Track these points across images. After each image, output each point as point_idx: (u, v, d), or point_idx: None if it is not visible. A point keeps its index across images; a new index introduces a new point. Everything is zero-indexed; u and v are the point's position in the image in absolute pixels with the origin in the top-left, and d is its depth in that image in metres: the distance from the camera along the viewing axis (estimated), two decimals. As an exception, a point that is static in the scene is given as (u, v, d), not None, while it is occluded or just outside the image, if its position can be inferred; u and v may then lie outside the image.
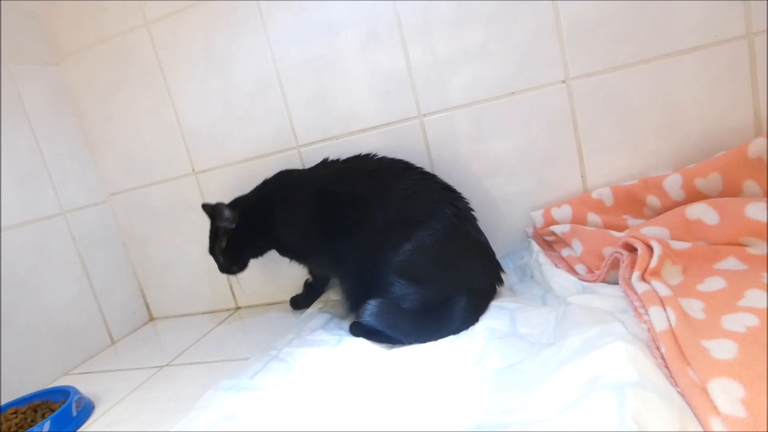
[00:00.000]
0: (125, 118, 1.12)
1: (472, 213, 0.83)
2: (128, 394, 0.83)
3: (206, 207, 0.97)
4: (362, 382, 0.65)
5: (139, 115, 1.11)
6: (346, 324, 0.83)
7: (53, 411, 0.76)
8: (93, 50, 1.10)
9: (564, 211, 0.85)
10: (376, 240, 0.79)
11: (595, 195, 0.84)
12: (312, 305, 0.99)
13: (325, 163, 0.92)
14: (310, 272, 1.02)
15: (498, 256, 0.93)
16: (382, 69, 0.93)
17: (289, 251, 0.96)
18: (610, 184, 0.84)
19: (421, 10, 0.88)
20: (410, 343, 0.72)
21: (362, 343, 0.76)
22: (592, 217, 0.83)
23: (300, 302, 1.04)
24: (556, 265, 0.79)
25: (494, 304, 0.75)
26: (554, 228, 0.83)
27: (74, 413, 0.76)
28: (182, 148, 1.09)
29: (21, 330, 0.94)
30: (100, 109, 1.14)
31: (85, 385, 0.85)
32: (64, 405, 0.76)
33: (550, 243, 0.88)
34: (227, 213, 0.92)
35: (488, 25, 0.86)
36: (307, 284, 1.04)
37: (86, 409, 0.79)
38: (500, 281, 0.80)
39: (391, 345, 0.74)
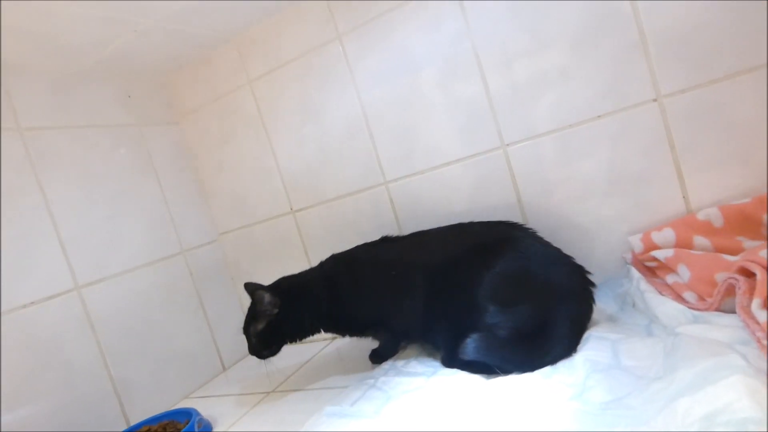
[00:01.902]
0: (232, 167, 1.26)
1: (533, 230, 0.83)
2: (240, 417, 0.90)
3: (248, 286, 0.93)
4: (460, 414, 0.65)
5: (244, 162, 1.24)
6: (439, 353, 0.84)
7: (179, 430, 0.85)
8: (206, 109, 1.26)
9: (666, 235, 0.81)
10: (457, 283, 0.80)
11: (701, 216, 0.79)
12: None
13: (385, 240, 0.95)
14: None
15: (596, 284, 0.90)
16: (462, 103, 0.96)
17: (354, 326, 0.94)
18: (717, 204, 0.78)
19: (498, 42, 0.91)
20: (509, 372, 0.71)
21: (457, 375, 0.77)
22: (700, 240, 0.78)
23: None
24: (660, 293, 0.75)
25: (594, 334, 0.72)
26: (656, 253, 0.79)
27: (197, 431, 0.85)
28: (281, 189, 1.20)
29: (150, 358, 1.07)
30: (212, 159, 1.29)
31: (202, 408, 0.94)
32: (187, 425, 0.84)
33: (652, 269, 0.83)
34: (268, 298, 0.89)
35: (568, 51, 0.86)
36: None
37: (206, 429, 0.88)
38: (592, 285, 0.78)
39: (487, 375, 0.73)
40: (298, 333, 0.94)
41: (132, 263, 1.10)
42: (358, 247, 0.96)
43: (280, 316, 0.90)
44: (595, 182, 0.88)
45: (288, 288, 0.92)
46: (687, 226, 0.79)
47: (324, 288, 0.92)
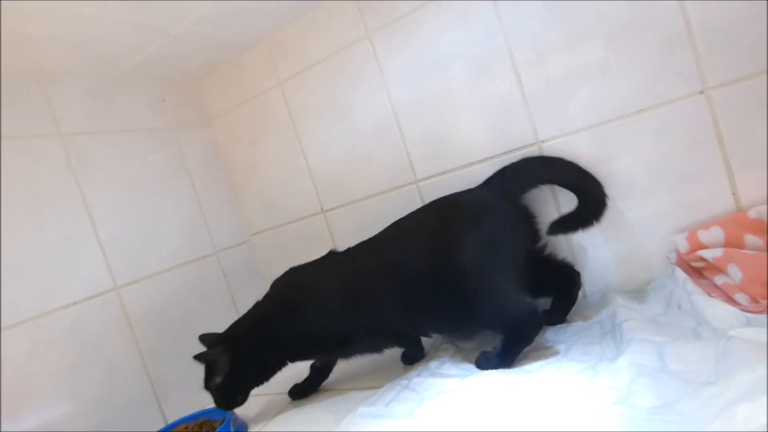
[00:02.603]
0: (263, 168, 1.27)
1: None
2: (275, 417, 0.91)
3: (203, 339, 0.91)
4: (495, 417, 0.64)
5: (275, 163, 1.25)
6: (474, 355, 0.83)
7: (214, 428, 0.86)
8: (236, 111, 1.28)
9: (714, 234, 0.77)
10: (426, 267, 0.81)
11: (753, 214, 0.75)
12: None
13: (333, 254, 0.95)
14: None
15: (637, 286, 0.87)
16: (495, 99, 0.94)
17: (325, 346, 0.90)
18: (770, 201, 0.74)
19: (532, 37, 0.88)
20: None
21: (491, 376, 0.75)
22: (752, 239, 0.74)
23: (302, 391, 0.97)
24: (709, 295, 0.71)
25: (637, 337, 0.69)
26: (703, 253, 0.75)
27: (232, 431, 0.85)
28: (311, 190, 1.20)
29: (186, 357, 1.07)
30: (243, 161, 1.30)
31: (236, 409, 0.95)
32: (223, 423, 0.85)
33: (699, 270, 0.79)
34: (216, 354, 0.85)
35: (607, 44, 0.83)
36: (313, 368, 0.99)
37: (240, 429, 0.88)
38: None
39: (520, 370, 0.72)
40: (263, 374, 0.91)
41: (167, 264, 1.12)
42: (305, 267, 0.95)
43: (235, 365, 0.86)
44: (635, 180, 0.85)
45: (237, 335, 0.89)
46: (737, 225, 0.75)
47: (282, 317, 0.89)
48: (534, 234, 0.88)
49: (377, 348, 0.92)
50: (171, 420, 1.00)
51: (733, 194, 0.79)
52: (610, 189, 0.87)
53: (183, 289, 1.14)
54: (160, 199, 1.15)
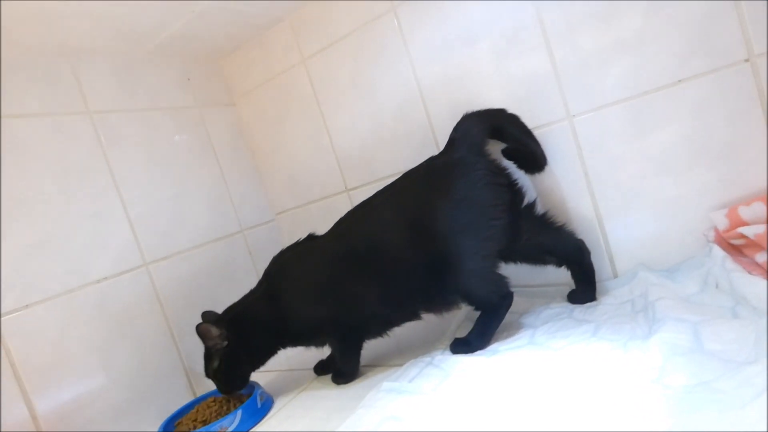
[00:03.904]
0: (288, 147, 1.27)
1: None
2: (300, 392, 0.92)
3: (204, 316, 0.91)
4: (523, 394, 0.63)
5: (300, 142, 1.24)
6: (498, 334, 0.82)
7: (242, 402, 0.87)
8: (261, 89, 1.27)
9: (756, 210, 0.73)
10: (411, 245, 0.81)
11: (798, 188, 0.71)
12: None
13: (311, 237, 0.94)
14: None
15: (671, 264, 0.84)
16: (524, 73, 0.91)
17: (304, 334, 0.91)
18: (818, 175, 0.70)
19: (565, 8, 0.85)
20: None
21: (517, 352, 0.74)
22: (796, 214, 0.70)
23: (327, 367, 0.97)
24: (750, 273, 0.68)
25: (671, 316, 0.67)
26: (744, 230, 0.72)
27: (259, 405, 0.87)
28: (336, 168, 1.20)
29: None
30: (267, 140, 1.31)
31: (263, 382, 0.96)
32: (250, 397, 0.87)
33: (738, 247, 0.76)
34: (213, 331, 0.86)
35: (644, 13, 0.79)
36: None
37: (267, 403, 0.90)
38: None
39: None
40: (258, 358, 0.91)
41: (195, 241, 1.14)
42: (286, 252, 0.95)
43: (231, 346, 0.87)
44: (673, 154, 0.81)
45: (232, 317, 0.89)
46: (781, 200, 0.72)
47: (268, 303, 0.90)
48: (512, 186, 0.85)
49: (356, 337, 0.90)
50: (200, 394, 1.02)
51: (778, 168, 0.75)
52: (645, 165, 0.84)
53: (210, 267, 1.15)
54: (187, 178, 1.17)
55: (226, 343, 0.87)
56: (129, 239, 1.02)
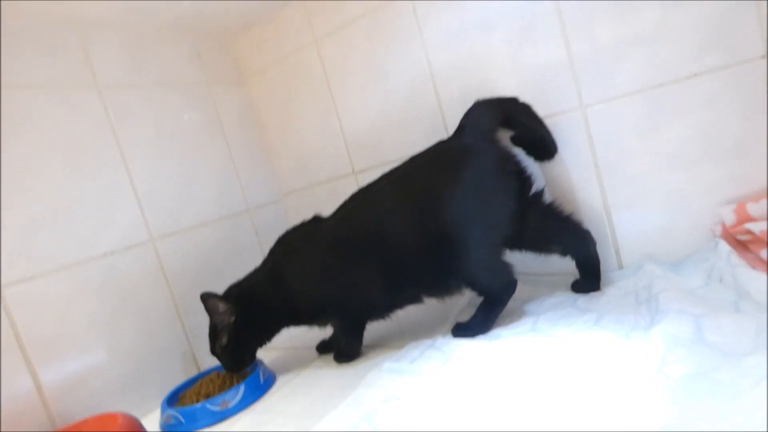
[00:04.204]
0: (297, 128, 1.27)
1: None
2: (302, 370, 0.93)
3: (202, 296, 0.88)
4: (523, 379, 0.64)
5: (309, 123, 1.24)
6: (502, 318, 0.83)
7: (245, 378, 0.88)
8: (271, 69, 1.27)
9: (764, 207, 0.73)
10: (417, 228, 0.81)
11: (806, 186, 0.71)
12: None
13: (317, 219, 0.94)
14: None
15: (676, 258, 0.85)
16: (538, 61, 0.90)
17: (306, 315, 0.91)
18: (828, 174, 0.70)
19: (583, -3, 0.84)
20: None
21: (520, 339, 0.75)
22: (804, 212, 0.70)
23: (329, 346, 0.98)
24: (754, 268, 0.69)
25: (673, 307, 0.67)
26: (751, 225, 0.72)
27: (261, 381, 0.88)
28: (344, 151, 1.20)
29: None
30: (276, 120, 1.30)
31: (266, 359, 0.98)
32: (253, 373, 0.88)
33: (744, 243, 0.76)
34: (222, 307, 0.86)
35: (665, 6, 0.78)
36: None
37: (270, 379, 0.91)
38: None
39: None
40: (265, 335, 0.92)
41: (202, 219, 1.14)
42: (291, 232, 0.95)
43: (239, 323, 0.87)
44: (684, 148, 0.81)
45: (239, 293, 0.89)
46: (789, 197, 0.72)
47: (272, 282, 0.90)
48: (521, 174, 0.85)
49: (359, 319, 0.91)
50: (204, 369, 1.04)
51: (788, 166, 0.75)
52: (656, 158, 0.83)
53: (216, 245, 1.16)
54: (196, 156, 1.17)
55: (233, 319, 0.87)
56: (136, 214, 1.03)
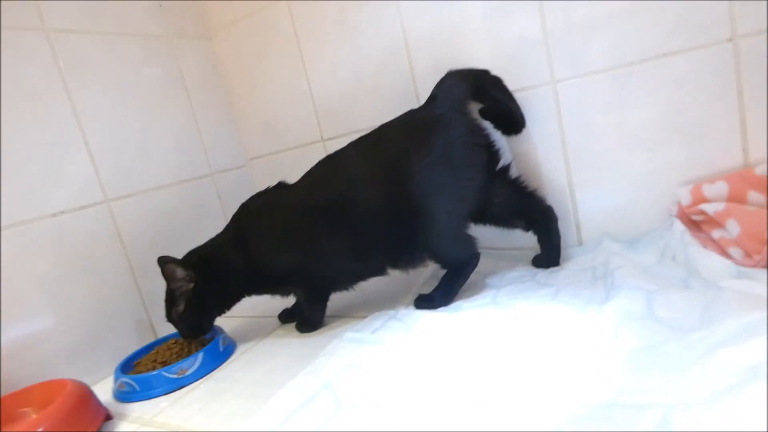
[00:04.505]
0: (265, 89, 1.22)
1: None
2: (263, 338, 0.93)
3: (159, 260, 0.84)
4: (482, 349, 0.65)
5: (277, 85, 1.20)
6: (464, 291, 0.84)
7: (204, 345, 0.87)
8: (239, 24, 1.21)
9: (718, 188, 0.76)
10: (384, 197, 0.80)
11: (759, 171, 0.74)
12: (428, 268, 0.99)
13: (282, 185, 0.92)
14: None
15: (634, 235, 0.87)
16: (513, 33, 0.89)
17: (284, 279, 0.88)
18: (779, 159, 0.73)
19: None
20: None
21: (480, 311, 0.77)
22: (754, 195, 0.73)
23: (291, 315, 0.98)
24: (704, 247, 0.72)
25: (627, 283, 0.70)
26: (705, 206, 0.75)
27: (221, 349, 0.87)
28: (313, 116, 1.16)
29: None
30: (244, 80, 1.25)
31: (226, 327, 0.96)
32: (213, 341, 0.87)
33: (698, 223, 0.79)
34: (180, 273, 0.84)
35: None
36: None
37: (229, 347, 0.90)
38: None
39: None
40: (225, 303, 0.90)
41: (161, 181, 1.10)
42: (255, 199, 0.93)
43: (198, 289, 0.85)
44: (649, 128, 0.83)
45: (198, 259, 0.87)
46: (742, 181, 0.75)
47: (235, 249, 0.88)
48: (490, 147, 0.86)
49: (323, 288, 0.90)
50: (162, 335, 1.01)
51: (743, 150, 0.77)
52: (621, 137, 0.85)
53: (177, 209, 1.12)
54: (156, 114, 1.11)
55: (192, 285, 0.85)
56: (89, 173, 0.97)
